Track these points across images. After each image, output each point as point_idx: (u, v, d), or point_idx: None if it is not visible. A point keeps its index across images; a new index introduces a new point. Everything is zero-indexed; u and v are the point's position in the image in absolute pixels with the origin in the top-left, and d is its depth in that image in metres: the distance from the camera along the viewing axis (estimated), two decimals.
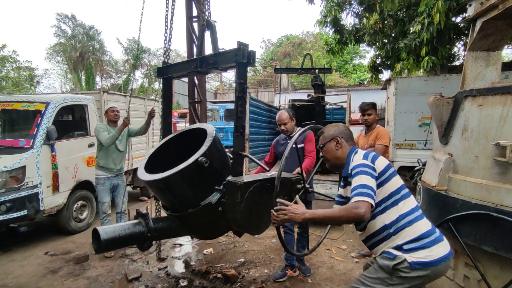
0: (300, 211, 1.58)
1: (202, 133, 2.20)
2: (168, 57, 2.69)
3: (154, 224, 2.03)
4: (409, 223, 1.57)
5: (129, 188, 7.49)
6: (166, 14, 2.77)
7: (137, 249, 4.05)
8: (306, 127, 2.08)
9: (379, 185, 1.60)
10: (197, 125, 2.57)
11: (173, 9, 2.79)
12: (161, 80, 2.65)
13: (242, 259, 3.72)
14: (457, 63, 10.28)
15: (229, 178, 2.00)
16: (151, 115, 3.93)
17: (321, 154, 1.90)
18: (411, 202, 1.64)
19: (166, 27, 2.74)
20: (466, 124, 2.21)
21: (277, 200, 1.70)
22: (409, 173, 7.06)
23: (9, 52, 15.15)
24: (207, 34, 2.67)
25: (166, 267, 3.52)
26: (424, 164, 6.22)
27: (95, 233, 1.84)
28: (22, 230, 5.03)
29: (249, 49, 2.01)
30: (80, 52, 23.81)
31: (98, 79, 26.50)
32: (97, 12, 57.23)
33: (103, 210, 3.98)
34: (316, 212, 1.60)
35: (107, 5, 61.82)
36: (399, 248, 1.55)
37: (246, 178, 2.01)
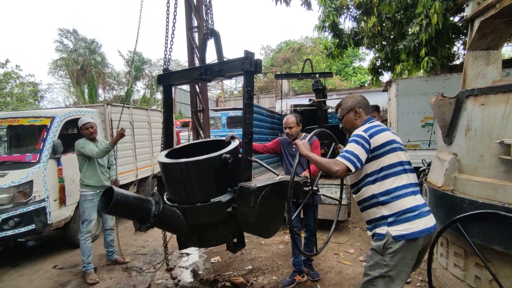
0: (304, 148, 1.89)
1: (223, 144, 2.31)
2: (169, 64, 2.71)
3: (163, 207, 2.03)
4: (397, 198, 1.71)
5: None
6: (167, 22, 2.79)
7: (145, 260, 4.06)
8: (313, 132, 2.10)
9: (372, 158, 1.77)
10: (221, 137, 2.64)
11: (174, 15, 2.81)
12: (162, 87, 2.65)
13: (250, 267, 3.70)
14: (457, 62, 10.30)
15: (241, 183, 2.03)
16: (120, 134, 3.55)
17: (340, 125, 2.07)
18: (404, 179, 1.76)
19: (166, 34, 2.76)
20: (469, 123, 2.21)
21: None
22: None
23: (12, 68, 15.37)
24: (209, 43, 2.72)
25: (174, 278, 3.51)
26: (429, 165, 6.19)
27: (109, 192, 1.81)
28: (30, 244, 5.05)
29: (255, 57, 2.07)
30: (82, 66, 24.15)
31: (100, 91, 26.80)
32: (98, 25, 58.18)
33: (88, 229, 3.57)
34: (312, 155, 1.87)
35: (108, 18, 62.83)
36: (384, 218, 1.73)
37: (257, 183, 2.03)
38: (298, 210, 2.75)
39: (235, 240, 2.38)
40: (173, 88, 2.84)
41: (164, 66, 2.66)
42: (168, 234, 3.25)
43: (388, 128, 1.88)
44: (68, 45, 25.53)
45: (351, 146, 1.76)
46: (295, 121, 3.18)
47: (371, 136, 1.78)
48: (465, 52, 3.34)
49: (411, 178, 1.80)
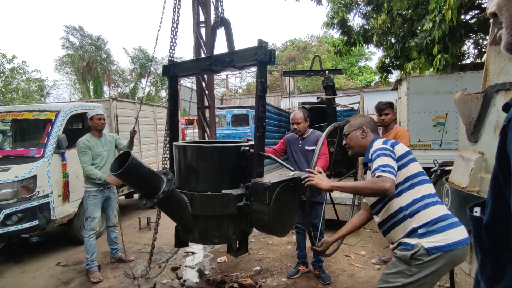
0: (326, 180, 1.76)
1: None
2: (173, 54, 2.58)
3: (173, 188, 1.95)
4: (425, 207, 1.60)
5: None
6: (173, 11, 2.68)
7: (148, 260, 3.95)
8: (331, 125, 1.99)
9: (397, 169, 1.65)
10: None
11: (179, 7, 2.71)
12: (167, 79, 2.53)
13: (258, 267, 3.58)
14: (467, 61, 10.09)
15: (254, 179, 1.95)
16: (131, 135, 3.71)
17: (344, 142, 1.98)
18: (428, 188, 1.66)
19: (173, 23, 2.64)
20: (498, 120, 2.07)
21: (306, 169, 1.94)
22: None
23: (19, 64, 15.41)
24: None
25: (180, 277, 3.41)
26: (441, 165, 6.04)
27: (124, 155, 1.73)
28: (34, 240, 4.99)
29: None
30: (88, 62, 24.19)
31: (105, 88, 26.85)
32: (104, 22, 58.39)
33: (92, 226, 3.50)
34: (341, 183, 1.75)
35: (113, 15, 63.03)
36: (414, 231, 1.58)
37: (272, 178, 1.96)
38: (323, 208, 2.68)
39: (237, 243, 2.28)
40: (179, 86, 2.74)
41: (169, 57, 2.53)
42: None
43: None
44: (74, 42, 25.61)
45: (382, 160, 1.62)
46: (303, 117, 3.15)
47: (392, 146, 1.71)
48: (487, 47, 3.18)
49: (431, 188, 1.70)
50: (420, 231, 1.56)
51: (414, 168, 1.69)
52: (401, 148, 1.72)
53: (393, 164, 1.61)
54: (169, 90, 2.61)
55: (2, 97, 14.68)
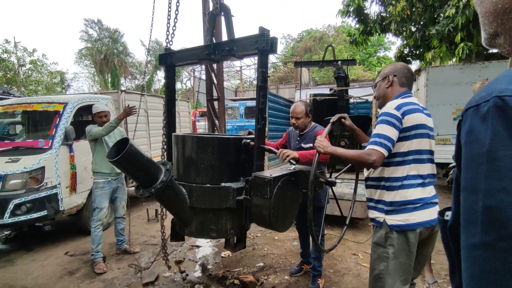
0: (324, 144, 1.71)
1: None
2: (171, 42, 2.46)
3: (171, 178, 1.89)
4: (402, 187, 1.61)
5: None
6: None
7: (154, 251, 3.96)
8: (331, 120, 1.85)
9: (398, 140, 1.61)
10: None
11: None
12: (164, 68, 2.44)
13: (261, 264, 3.51)
14: (494, 50, 9.44)
15: (255, 173, 1.89)
16: (127, 111, 3.56)
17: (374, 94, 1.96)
18: (420, 169, 1.62)
19: (169, 7, 2.50)
20: None
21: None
22: (443, 171, 6.53)
23: (38, 56, 15.87)
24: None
25: (182, 271, 3.38)
26: None
27: (123, 142, 1.70)
28: (46, 229, 5.13)
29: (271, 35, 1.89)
30: (105, 55, 24.61)
31: (123, 80, 27.29)
32: (122, 15, 59.20)
33: (99, 217, 3.51)
34: (336, 150, 1.69)
35: (131, 8, 63.74)
36: (383, 203, 1.65)
37: (273, 172, 1.89)
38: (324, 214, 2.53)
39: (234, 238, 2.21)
40: (192, 78, 2.65)
41: (166, 44, 2.42)
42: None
43: (422, 109, 1.67)
44: (93, 34, 26.09)
45: (382, 129, 1.57)
46: (304, 111, 2.70)
47: (404, 114, 1.59)
48: None
49: (427, 168, 1.65)
50: (387, 208, 1.63)
51: (417, 144, 1.61)
52: (413, 119, 1.59)
53: (392, 135, 1.56)
54: (165, 80, 2.52)
55: (24, 89, 15.21)
